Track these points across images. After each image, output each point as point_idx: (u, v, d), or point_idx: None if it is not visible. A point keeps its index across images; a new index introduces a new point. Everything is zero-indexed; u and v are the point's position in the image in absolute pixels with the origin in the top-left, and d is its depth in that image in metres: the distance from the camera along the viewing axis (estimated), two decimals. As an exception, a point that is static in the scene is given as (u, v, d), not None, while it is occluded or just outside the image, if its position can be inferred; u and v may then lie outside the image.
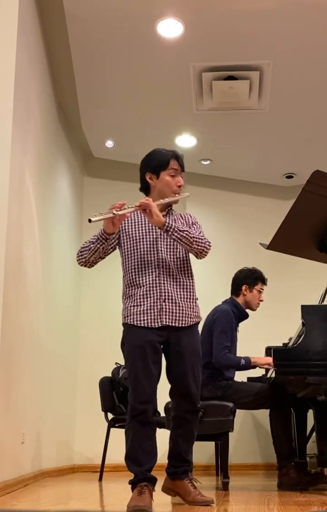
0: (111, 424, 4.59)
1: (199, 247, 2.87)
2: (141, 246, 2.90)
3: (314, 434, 4.21)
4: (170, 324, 2.82)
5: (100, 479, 4.52)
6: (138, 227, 2.96)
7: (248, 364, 4.04)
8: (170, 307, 2.83)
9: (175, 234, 2.82)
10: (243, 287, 4.27)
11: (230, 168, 6.34)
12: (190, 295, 2.91)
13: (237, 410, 3.91)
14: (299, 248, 3.12)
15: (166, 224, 2.81)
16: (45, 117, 4.58)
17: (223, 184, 6.50)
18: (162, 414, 4.02)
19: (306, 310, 3.52)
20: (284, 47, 4.45)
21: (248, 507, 2.75)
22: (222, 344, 4.01)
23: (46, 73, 4.59)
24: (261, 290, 4.32)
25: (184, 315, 2.86)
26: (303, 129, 5.52)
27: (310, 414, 4.15)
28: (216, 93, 4.83)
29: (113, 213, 2.76)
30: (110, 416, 4.64)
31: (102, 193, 6.27)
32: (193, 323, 2.90)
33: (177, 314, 2.84)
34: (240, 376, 4.36)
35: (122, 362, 4.73)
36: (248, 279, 4.29)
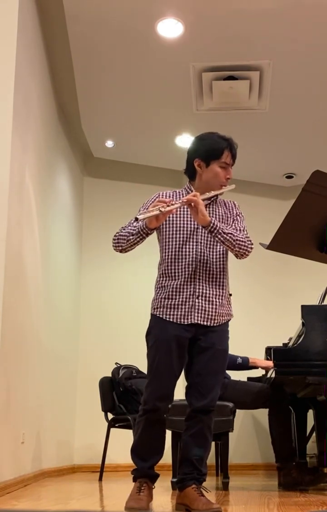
0: (111, 424, 4.59)
1: (241, 250, 2.74)
2: (180, 236, 2.77)
3: (314, 434, 4.21)
4: (200, 322, 2.69)
5: (100, 479, 4.52)
6: (179, 215, 2.81)
7: (246, 364, 4.02)
8: (203, 304, 2.71)
9: (219, 236, 2.69)
10: None
11: (230, 168, 6.33)
12: (224, 291, 2.77)
13: (237, 410, 3.91)
14: (299, 248, 3.12)
15: (211, 224, 2.67)
16: (45, 117, 4.58)
17: (223, 184, 6.49)
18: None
19: (306, 310, 3.52)
20: (284, 47, 4.44)
21: (248, 507, 2.74)
22: None
23: (46, 73, 4.59)
24: None
25: (216, 313, 2.73)
26: (303, 129, 5.52)
27: (310, 414, 4.15)
28: (216, 93, 4.83)
29: (160, 210, 2.61)
30: (110, 416, 4.64)
31: (102, 193, 6.28)
32: (225, 321, 2.77)
33: (209, 312, 2.71)
34: (241, 376, 4.36)
35: (122, 362, 4.77)
36: None
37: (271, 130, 5.54)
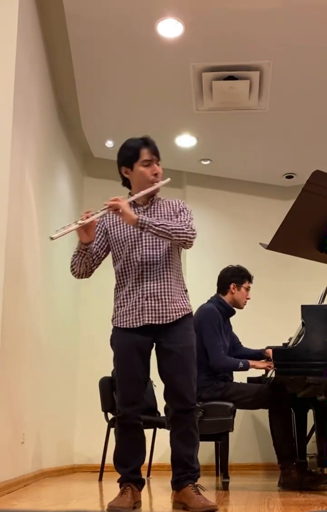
0: (111, 424, 4.58)
1: (181, 238, 2.72)
2: (126, 246, 2.81)
3: (314, 434, 4.21)
4: (152, 322, 2.71)
5: (100, 479, 4.52)
6: (122, 227, 2.86)
7: (247, 368, 4.02)
8: (152, 304, 2.72)
9: (151, 230, 2.69)
10: (231, 286, 4.21)
11: (230, 168, 6.34)
12: (175, 288, 2.78)
13: (237, 410, 3.91)
14: (299, 248, 3.12)
15: (139, 221, 2.69)
16: (45, 117, 4.58)
17: (223, 184, 6.50)
18: (162, 414, 4.02)
19: (306, 310, 3.52)
20: (284, 47, 4.45)
21: (248, 507, 2.74)
22: (216, 346, 3.94)
23: (46, 73, 4.59)
24: (248, 288, 4.29)
25: (167, 311, 2.73)
26: (303, 129, 5.52)
27: (310, 414, 4.15)
28: (216, 93, 4.83)
29: (78, 223, 2.67)
30: (110, 416, 4.63)
31: (102, 193, 6.25)
32: (180, 317, 2.75)
33: (160, 311, 2.72)
34: (241, 377, 4.36)
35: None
36: (235, 277, 4.23)
37: (271, 130, 5.54)
